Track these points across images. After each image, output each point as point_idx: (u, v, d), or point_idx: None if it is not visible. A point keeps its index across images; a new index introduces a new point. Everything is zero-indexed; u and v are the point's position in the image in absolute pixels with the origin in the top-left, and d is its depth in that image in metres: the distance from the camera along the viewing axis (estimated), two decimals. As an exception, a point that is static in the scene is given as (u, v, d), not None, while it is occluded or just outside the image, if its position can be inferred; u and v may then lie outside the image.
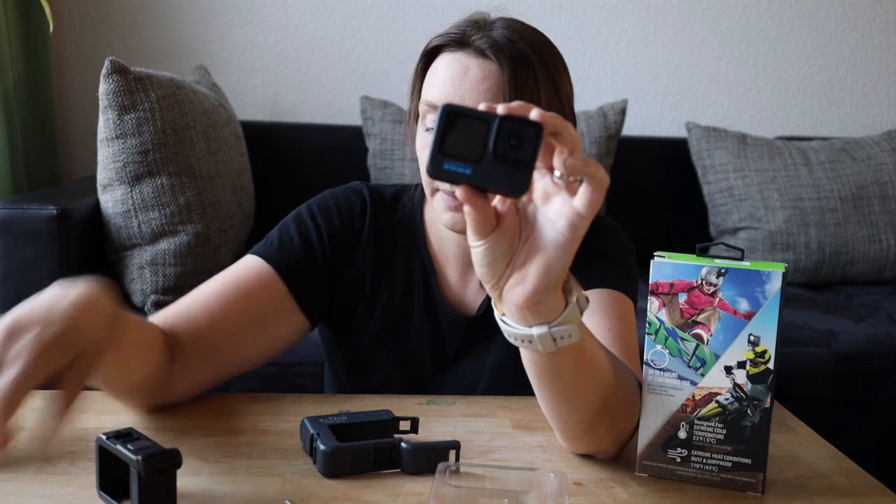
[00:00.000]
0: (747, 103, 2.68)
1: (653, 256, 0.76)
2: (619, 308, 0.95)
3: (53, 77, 2.37)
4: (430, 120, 0.92)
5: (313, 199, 1.04)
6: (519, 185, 0.57)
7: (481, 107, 0.58)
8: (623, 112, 2.32)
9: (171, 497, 0.67)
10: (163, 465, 0.65)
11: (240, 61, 2.49)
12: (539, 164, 0.60)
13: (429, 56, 0.95)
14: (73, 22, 2.43)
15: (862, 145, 2.40)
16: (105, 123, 1.72)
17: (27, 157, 2.16)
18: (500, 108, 0.58)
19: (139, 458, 0.64)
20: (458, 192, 0.58)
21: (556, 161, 0.60)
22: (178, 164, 1.76)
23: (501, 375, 1.02)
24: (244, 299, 0.92)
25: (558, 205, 0.60)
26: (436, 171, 0.57)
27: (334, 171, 2.33)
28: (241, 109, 2.41)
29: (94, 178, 1.82)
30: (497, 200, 0.62)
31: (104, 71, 1.70)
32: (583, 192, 0.59)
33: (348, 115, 2.49)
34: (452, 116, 0.57)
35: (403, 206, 1.06)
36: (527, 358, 0.71)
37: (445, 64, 0.91)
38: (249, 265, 0.96)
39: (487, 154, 0.57)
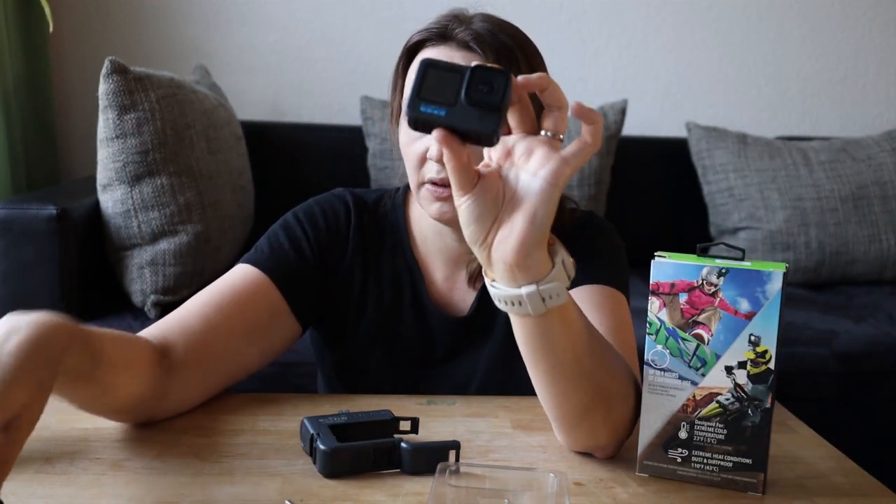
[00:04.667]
0: (747, 103, 2.67)
1: (653, 256, 0.76)
2: (609, 304, 0.95)
3: (53, 77, 2.36)
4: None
5: (298, 207, 1.04)
6: (490, 126, 0.62)
7: None
8: (623, 112, 2.31)
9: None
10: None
11: (240, 61, 2.49)
12: (519, 126, 0.65)
13: (410, 52, 0.95)
14: (73, 22, 2.42)
15: (862, 145, 2.40)
16: (105, 123, 1.72)
17: (27, 157, 2.16)
18: (474, 62, 0.63)
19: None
20: (435, 133, 0.61)
21: (547, 119, 0.64)
22: (177, 164, 1.76)
23: (494, 377, 1.02)
24: (240, 308, 0.91)
25: (542, 155, 0.63)
26: (413, 113, 0.62)
27: (334, 171, 2.33)
28: (241, 109, 2.41)
29: (94, 178, 1.82)
30: (481, 165, 0.65)
31: (104, 71, 1.70)
32: (575, 143, 0.63)
33: (348, 115, 2.49)
34: (430, 68, 0.63)
35: (385, 208, 1.05)
36: (518, 326, 0.71)
37: None
38: (242, 274, 0.95)
39: (460, 99, 0.62)
